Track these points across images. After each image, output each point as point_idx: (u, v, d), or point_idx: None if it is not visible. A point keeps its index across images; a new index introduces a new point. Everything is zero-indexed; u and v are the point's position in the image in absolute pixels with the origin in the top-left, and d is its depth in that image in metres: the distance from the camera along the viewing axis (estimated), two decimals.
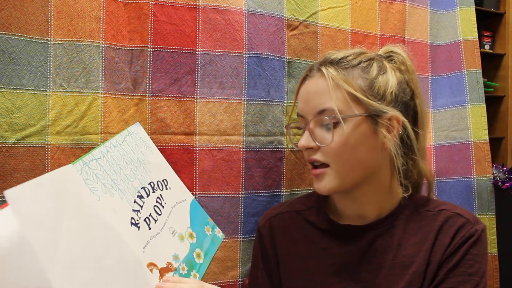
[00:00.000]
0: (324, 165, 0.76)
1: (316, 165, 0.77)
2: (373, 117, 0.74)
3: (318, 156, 0.76)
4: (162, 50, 0.98)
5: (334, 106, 0.73)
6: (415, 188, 0.83)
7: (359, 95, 0.74)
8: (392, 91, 0.76)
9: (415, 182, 0.83)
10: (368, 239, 0.79)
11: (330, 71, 0.75)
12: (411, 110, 0.80)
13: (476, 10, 1.36)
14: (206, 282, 0.71)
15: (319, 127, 0.76)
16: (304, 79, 0.81)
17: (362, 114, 0.74)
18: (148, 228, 0.66)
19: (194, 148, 1.01)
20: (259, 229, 0.90)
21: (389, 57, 0.81)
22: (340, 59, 0.78)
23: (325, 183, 0.76)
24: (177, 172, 0.99)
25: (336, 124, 0.74)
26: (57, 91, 0.89)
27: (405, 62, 0.80)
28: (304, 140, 0.76)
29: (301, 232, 0.85)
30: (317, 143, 0.75)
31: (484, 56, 1.71)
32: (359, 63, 0.77)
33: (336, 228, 0.82)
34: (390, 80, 0.76)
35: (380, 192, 0.79)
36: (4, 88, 0.85)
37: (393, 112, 0.75)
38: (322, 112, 0.75)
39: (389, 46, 0.83)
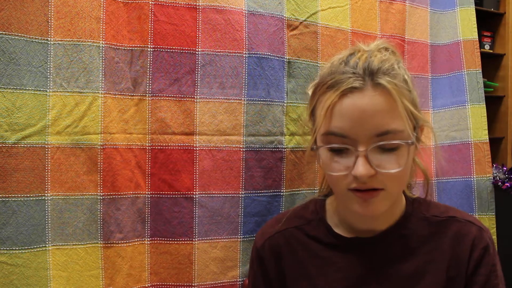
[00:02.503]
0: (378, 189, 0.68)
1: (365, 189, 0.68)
2: (416, 129, 0.70)
3: (377, 184, 0.66)
4: (162, 50, 0.98)
5: (403, 126, 0.65)
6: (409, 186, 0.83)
7: (415, 110, 0.67)
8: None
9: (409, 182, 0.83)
10: (377, 251, 0.76)
11: (393, 86, 0.65)
12: None
13: (476, 10, 1.36)
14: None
15: (375, 150, 0.65)
16: (344, 93, 0.66)
17: (416, 131, 0.69)
18: None
19: (194, 148, 1.01)
20: (258, 250, 0.82)
21: (395, 56, 0.75)
22: (388, 69, 0.67)
23: (378, 206, 0.68)
24: (177, 172, 0.99)
25: (400, 146, 0.66)
26: (57, 91, 0.89)
27: (402, 60, 0.76)
28: (364, 169, 0.64)
29: (304, 249, 0.80)
30: (378, 170, 0.65)
31: (484, 56, 1.71)
32: (399, 73, 0.69)
33: (343, 242, 0.77)
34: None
35: (394, 203, 0.75)
36: (4, 88, 0.85)
37: (428, 123, 0.72)
38: (385, 133, 0.65)
39: (380, 42, 0.74)
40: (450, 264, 0.75)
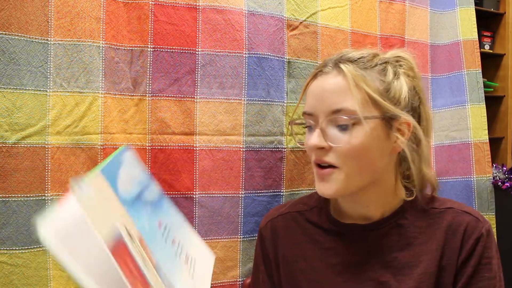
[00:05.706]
0: (332, 167, 0.73)
1: (323, 165, 0.74)
2: (388, 120, 0.73)
3: (329, 158, 0.73)
4: (162, 50, 0.98)
5: (355, 106, 0.71)
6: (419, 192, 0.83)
7: (378, 97, 0.72)
8: (405, 96, 0.75)
9: (418, 188, 0.82)
10: (374, 238, 0.78)
11: (350, 70, 0.73)
12: (417, 117, 0.79)
13: (476, 10, 1.36)
14: None
15: (332, 127, 0.72)
16: (315, 75, 0.77)
17: (379, 117, 0.73)
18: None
19: (194, 148, 1.01)
20: (260, 230, 0.89)
21: (397, 61, 0.79)
22: (358, 58, 0.75)
23: (331, 185, 0.73)
24: (177, 172, 0.99)
25: (353, 125, 0.71)
26: (57, 91, 0.90)
27: (413, 68, 0.79)
28: (316, 139, 0.72)
29: (304, 233, 0.84)
30: (330, 143, 0.72)
31: (484, 56, 1.71)
32: (376, 65, 0.75)
33: (340, 228, 0.81)
34: (404, 85, 0.75)
35: (384, 194, 0.78)
36: (4, 88, 0.85)
37: (407, 117, 0.74)
38: (338, 111, 0.72)
39: (397, 50, 0.81)
40: (443, 253, 0.76)
